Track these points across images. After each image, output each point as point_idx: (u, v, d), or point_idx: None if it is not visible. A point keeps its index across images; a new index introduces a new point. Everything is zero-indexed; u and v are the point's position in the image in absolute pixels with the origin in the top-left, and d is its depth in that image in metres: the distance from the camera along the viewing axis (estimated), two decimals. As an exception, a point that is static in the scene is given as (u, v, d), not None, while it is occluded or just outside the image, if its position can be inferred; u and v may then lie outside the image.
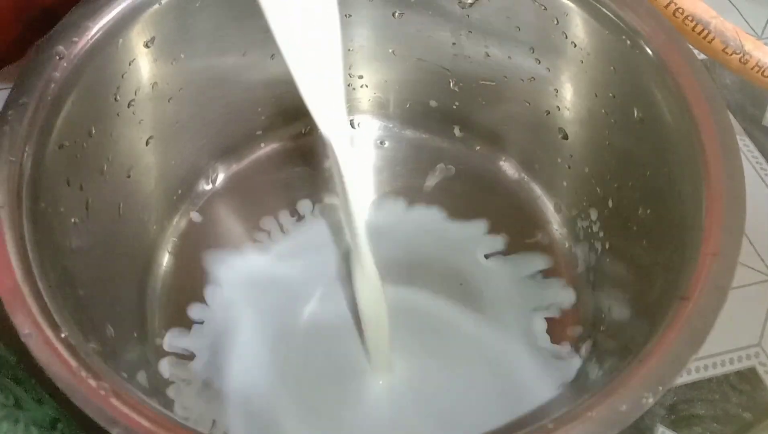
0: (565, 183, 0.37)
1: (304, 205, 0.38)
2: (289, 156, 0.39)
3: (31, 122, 0.26)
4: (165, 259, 0.36)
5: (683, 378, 0.35)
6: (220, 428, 0.30)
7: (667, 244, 0.27)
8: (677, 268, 0.25)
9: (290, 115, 0.39)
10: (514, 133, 0.38)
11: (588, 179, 0.35)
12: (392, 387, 0.32)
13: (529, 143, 0.38)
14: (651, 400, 0.21)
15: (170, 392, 0.31)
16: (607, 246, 0.34)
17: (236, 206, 0.38)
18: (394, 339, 0.32)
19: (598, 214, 0.34)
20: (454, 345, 0.33)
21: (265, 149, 0.39)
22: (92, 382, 0.21)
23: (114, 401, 0.21)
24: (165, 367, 0.32)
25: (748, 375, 0.35)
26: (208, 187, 0.38)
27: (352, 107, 0.40)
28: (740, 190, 0.24)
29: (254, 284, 0.35)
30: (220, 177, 0.38)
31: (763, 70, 0.35)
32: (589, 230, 0.35)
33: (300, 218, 0.37)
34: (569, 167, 0.36)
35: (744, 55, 0.35)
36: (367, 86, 0.39)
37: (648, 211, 0.30)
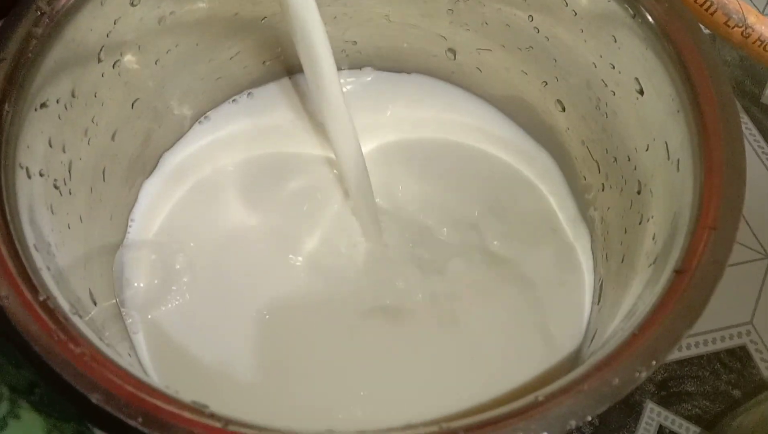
0: (562, 156, 0.36)
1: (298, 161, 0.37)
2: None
3: (10, 79, 0.25)
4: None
5: (674, 355, 0.35)
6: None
7: (664, 216, 0.26)
8: (674, 240, 0.24)
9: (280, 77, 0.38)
10: (510, 104, 0.38)
11: (585, 152, 0.34)
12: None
13: (525, 115, 0.37)
14: (644, 374, 0.20)
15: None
16: (602, 219, 0.33)
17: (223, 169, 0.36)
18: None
19: (594, 187, 0.34)
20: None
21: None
22: (71, 346, 0.20)
23: (93, 366, 0.20)
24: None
25: (739, 353, 0.35)
26: (195, 151, 0.37)
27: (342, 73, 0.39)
28: (741, 162, 0.24)
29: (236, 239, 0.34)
30: (206, 140, 0.37)
31: (765, 45, 0.35)
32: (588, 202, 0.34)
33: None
34: (566, 140, 0.35)
35: (746, 28, 0.35)
36: (360, 53, 0.38)
37: (645, 184, 0.29)
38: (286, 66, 0.38)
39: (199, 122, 0.37)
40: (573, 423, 0.20)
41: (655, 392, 0.34)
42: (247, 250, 0.34)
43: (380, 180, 0.35)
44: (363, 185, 0.33)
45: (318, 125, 0.37)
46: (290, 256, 0.33)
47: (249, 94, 0.38)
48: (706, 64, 0.26)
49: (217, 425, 0.19)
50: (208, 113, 0.38)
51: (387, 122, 0.37)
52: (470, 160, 0.37)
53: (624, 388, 0.20)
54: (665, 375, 0.34)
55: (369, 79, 0.39)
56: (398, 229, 0.34)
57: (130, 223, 0.34)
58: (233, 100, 0.38)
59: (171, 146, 0.36)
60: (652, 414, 0.33)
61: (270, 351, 0.31)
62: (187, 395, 0.20)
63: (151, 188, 0.35)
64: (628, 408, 0.34)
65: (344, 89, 0.37)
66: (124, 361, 0.21)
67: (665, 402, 0.34)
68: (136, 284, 0.32)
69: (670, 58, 0.27)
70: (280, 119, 0.38)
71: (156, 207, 0.35)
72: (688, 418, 0.33)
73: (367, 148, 0.36)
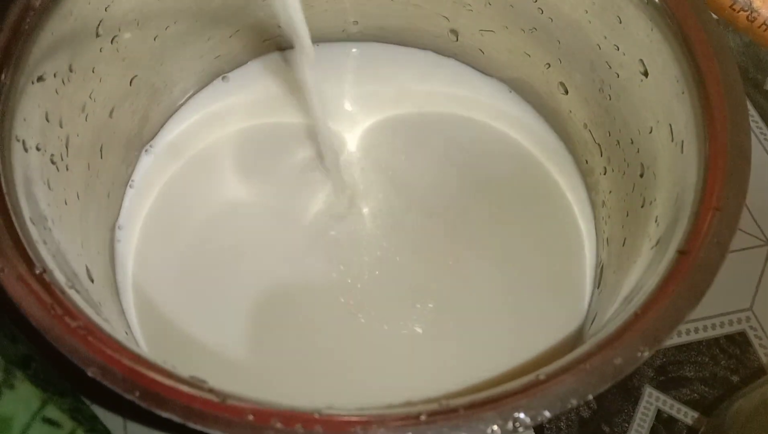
0: (564, 140, 0.36)
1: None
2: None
3: (7, 51, 0.25)
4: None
5: (673, 340, 0.35)
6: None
7: (667, 198, 0.26)
8: (677, 222, 0.24)
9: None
10: (512, 86, 0.37)
11: (587, 136, 0.34)
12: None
13: (527, 98, 0.37)
14: (646, 353, 0.20)
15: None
16: (604, 202, 0.33)
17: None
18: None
19: (596, 171, 0.34)
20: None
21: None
22: (67, 320, 0.20)
23: (90, 339, 0.20)
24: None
25: (738, 339, 0.35)
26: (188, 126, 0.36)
27: (344, 54, 0.38)
28: (746, 143, 0.24)
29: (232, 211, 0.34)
30: (199, 115, 0.36)
31: (771, 29, 0.34)
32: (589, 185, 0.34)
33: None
34: (568, 123, 0.35)
35: (752, 12, 0.34)
36: (361, 33, 0.38)
37: (648, 166, 0.29)
38: (286, 44, 0.38)
39: (192, 97, 0.37)
40: (574, 402, 0.19)
41: (653, 377, 0.34)
42: (242, 224, 0.33)
43: (383, 151, 0.35)
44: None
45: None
46: (285, 230, 0.33)
47: (242, 67, 0.38)
48: (712, 44, 0.26)
49: (216, 400, 0.19)
50: (201, 88, 0.37)
51: (391, 95, 0.37)
52: (476, 135, 0.36)
53: (626, 367, 0.20)
54: (664, 359, 0.34)
55: (376, 51, 0.38)
56: (399, 203, 0.34)
57: (124, 201, 0.34)
58: (223, 78, 0.37)
59: (166, 121, 0.36)
60: (651, 398, 0.33)
61: (265, 328, 0.31)
62: (183, 372, 0.20)
63: (145, 164, 0.35)
64: (627, 392, 0.33)
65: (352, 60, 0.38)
66: (121, 335, 0.21)
67: (663, 387, 0.34)
68: (130, 263, 0.32)
69: (676, 39, 0.26)
70: (274, 91, 0.37)
71: (150, 183, 0.34)
72: (687, 403, 0.33)
73: (370, 120, 0.36)
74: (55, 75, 0.27)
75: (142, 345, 0.30)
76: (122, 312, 0.31)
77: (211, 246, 0.33)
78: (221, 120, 0.36)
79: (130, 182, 0.34)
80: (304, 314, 0.31)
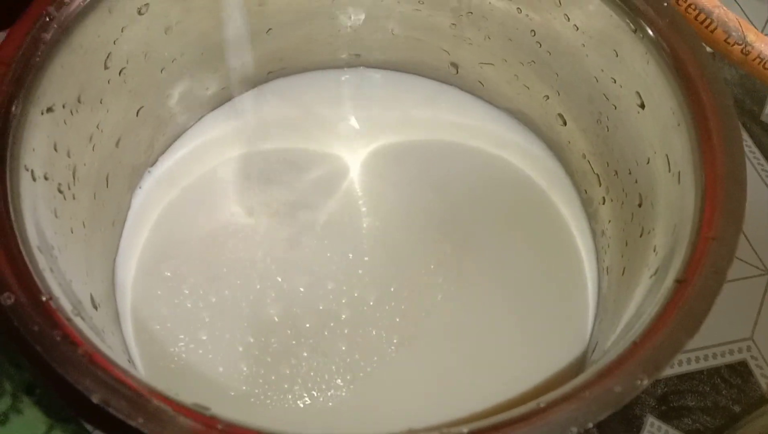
0: (564, 169, 0.36)
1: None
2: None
3: (18, 82, 0.25)
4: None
5: (674, 370, 0.35)
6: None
7: (665, 228, 0.27)
8: (675, 251, 0.24)
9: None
10: (512, 116, 0.38)
11: (586, 166, 0.34)
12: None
13: (528, 127, 0.38)
14: (646, 382, 0.20)
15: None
16: (603, 232, 0.33)
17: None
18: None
19: (595, 201, 0.34)
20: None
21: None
22: (73, 347, 0.20)
23: (95, 367, 0.20)
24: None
25: (739, 369, 0.35)
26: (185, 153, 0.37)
27: (346, 79, 0.39)
28: (741, 173, 0.24)
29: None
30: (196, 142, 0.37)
31: (765, 63, 0.35)
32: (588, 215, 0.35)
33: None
34: (567, 154, 0.36)
35: (746, 46, 0.35)
36: (363, 65, 0.39)
37: (646, 196, 0.29)
38: (291, 73, 0.39)
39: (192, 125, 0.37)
40: (574, 430, 0.20)
41: (655, 406, 0.34)
42: (242, 250, 0.33)
43: (384, 176, 0.35)
44: None
45: (314, 122, 0.38)
46: (287, 256, 0.33)
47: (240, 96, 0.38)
48: (707, 77, 0.26)
49: (219, 427, 0.19)
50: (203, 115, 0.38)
51: (393, 121, 0.38)
52: (478, 163, 0.37)
53: (626, 396, 0.20)
54: (666, 389, 0.34)
55: (378, 77, 0.39)
56: (399, 230, 0.34)
57: (124, 229, 0.34)
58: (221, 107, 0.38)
59: (165, 149, 0.36)
60: (653, 428, 0.33)
61: (267, 356, 0.31)
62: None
63: (143, 192, 0.35)
64: (629, 422, 0.33)
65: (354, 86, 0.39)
66: (124, 362, 0.21)
67: (665, 417, 0.34)
68: (129, 290, 0.32)
69: (671, 72, 0.27)
70: (276, 118, 0.38)
71: (149, 209, 0.34)
72: (689, 433, 0.33)
73: (372, 146, 0.37)
74: (63, 106, 0.27)
75: (142, 372, 0.31)
76: (123, 339, 0.31)
77: (208, 275, 0.33)
78: (221, 146, 0.37)
79: (129, 208, 0.35)
80: (306, 342, 0.31)
